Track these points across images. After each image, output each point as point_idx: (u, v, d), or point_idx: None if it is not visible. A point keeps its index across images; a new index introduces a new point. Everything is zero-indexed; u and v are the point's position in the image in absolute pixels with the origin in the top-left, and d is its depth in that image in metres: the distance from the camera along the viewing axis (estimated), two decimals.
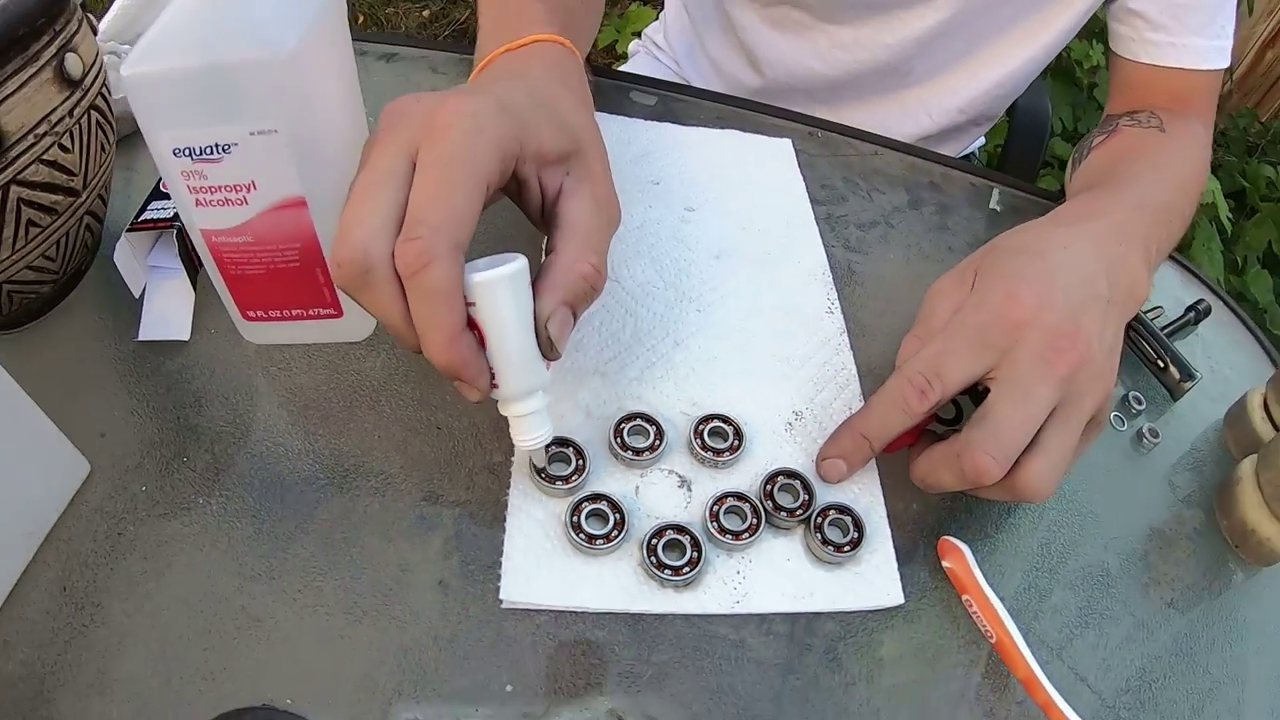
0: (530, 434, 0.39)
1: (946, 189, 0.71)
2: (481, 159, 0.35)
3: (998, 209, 0.71)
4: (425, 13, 2.92)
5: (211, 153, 0.36)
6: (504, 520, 0.42)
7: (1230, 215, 2.17)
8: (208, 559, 0.40)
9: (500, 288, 0.35)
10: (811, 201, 0.64)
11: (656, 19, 1.11)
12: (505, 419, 0.40)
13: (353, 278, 0.34)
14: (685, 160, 0.65)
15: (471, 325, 0.36)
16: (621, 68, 1.05)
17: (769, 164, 0.67)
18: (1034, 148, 1.07)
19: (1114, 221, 0.51)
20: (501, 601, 0.39)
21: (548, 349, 0.38)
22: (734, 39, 0.91)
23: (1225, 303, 0.70)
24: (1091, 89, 2.44)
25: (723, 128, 0.70)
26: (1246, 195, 2.54)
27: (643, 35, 1.10)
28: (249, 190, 0.38)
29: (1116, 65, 0.81)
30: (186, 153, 0.37)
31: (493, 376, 0.37)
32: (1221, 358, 0.64)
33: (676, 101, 0.73)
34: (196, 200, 0.39)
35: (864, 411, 0.44)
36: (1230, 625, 0.47)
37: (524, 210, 0.43)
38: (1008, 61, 0.87)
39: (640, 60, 1.07)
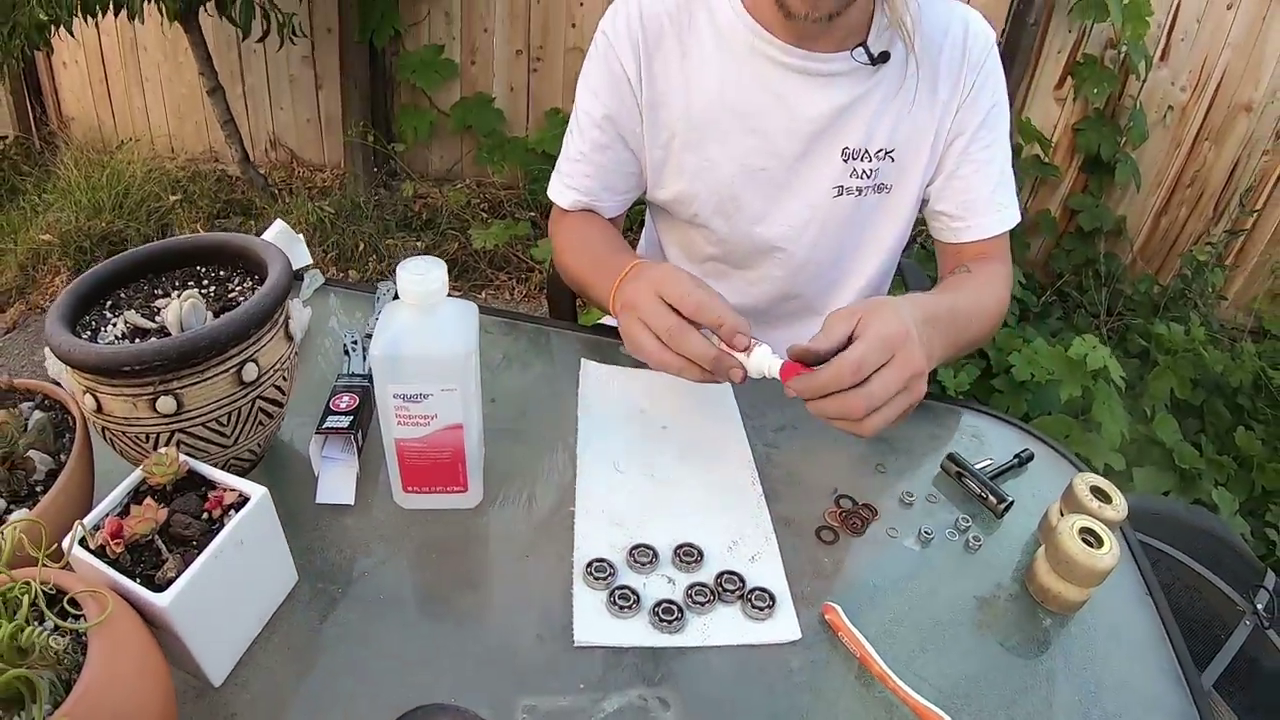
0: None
1: None
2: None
3: None
4: (419, 243, 3.31)
5: (415, 398, 0.69)
6: (573, 600, 0.72)
7: (1124, 376, 2.42)
8: (388, 629, 0.69)
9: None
10: (742, 414, 0.97)
11: None
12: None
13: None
14: (659, 393, 0.99)
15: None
16: (605, 318, 1.40)
17: (713, 393, 0.99)
18: None
19: (926, 311, 0.87)
20: (575, 641, 0.68)
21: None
22: None
23: (1054, 449, 1.00)
24: None
25: None
26: (1150, 353, 2.85)
27: None
28: (432, 419, 0.71)
29: (937, 245, 1.20)
30: (400, 396, 0.69)
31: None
32: (1048, 486, 0.94)
33: None
34: (399, 421, 0.71)
35: (815, 376, 0.75)
36: (1040, 651, 0.73)
37: None
38: (865, 272, 1.21)
39: None
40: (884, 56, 1.05)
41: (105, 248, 3.23)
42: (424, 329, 0.68)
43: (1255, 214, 3.46)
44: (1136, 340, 2.94)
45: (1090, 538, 0.76)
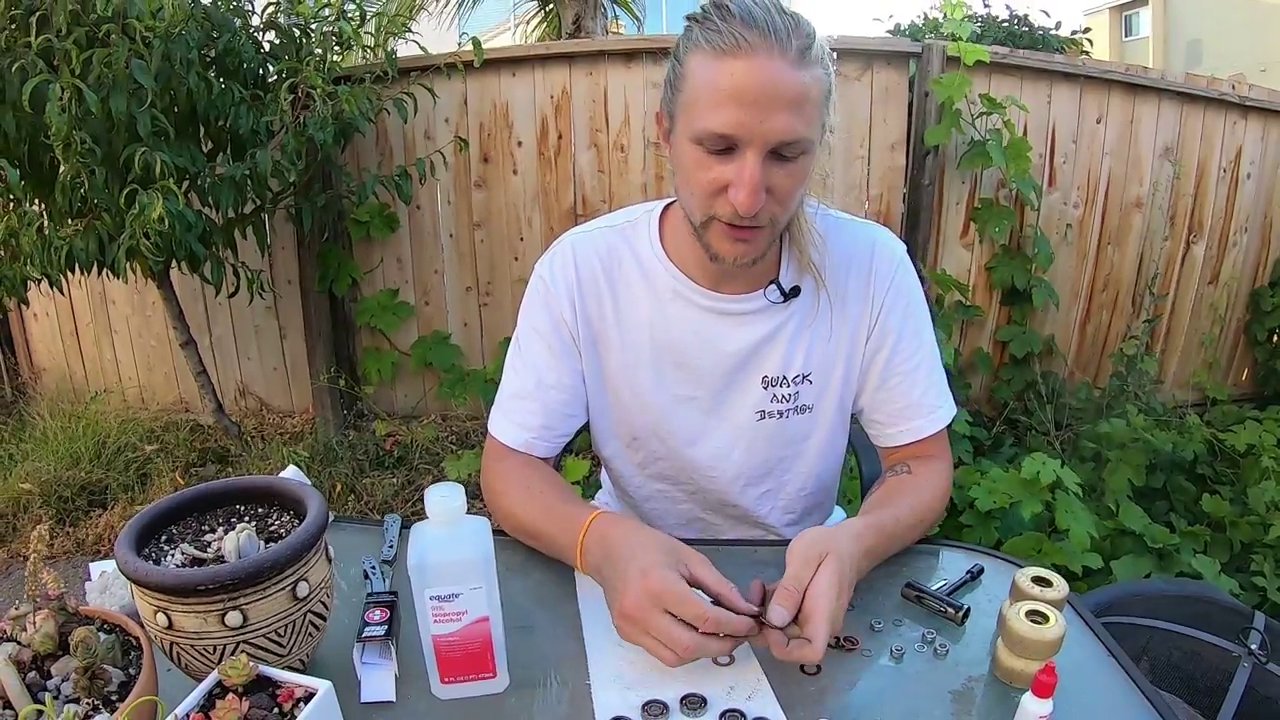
0: None
1: None
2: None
3: None
4: (394, 480, 3.39)
5: (448, 597, 0.82)
6: None
7: (1079, 482, 2.55)
8: None
9: None
10: None
11: (589, 472, 1.62)
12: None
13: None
14: None
15: None
16: None
17: None
18: None
19: (869, 543, 1.00)
20: None
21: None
22: (638, 510, 1.38)
23: (1000, 559, 1.15)
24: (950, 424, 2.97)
25: None
26: (1101, 453, 2.99)
27: (597, 498, 1.57)
28: (463, 614, 0.83)
29: (877, 447, 1.29)
30: (436, 598, 0.82)
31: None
32: (1001, 589, 1.06)
33: None
34: (435, 619, 0.83)
35: (789, 653, 0.85)
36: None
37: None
38: (799, 483, 1.29)
39: None
40: (795, 291, 1.15)
41: (86, 497, 3.31)
42: (451, 540, 0.83)
43: (1167, 298, 3.72)
44: (1087, 445, 3.09)
45: (1038, 617, 0.90)
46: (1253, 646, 1.60)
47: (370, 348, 3.84)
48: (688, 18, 1.01)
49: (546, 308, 1.21)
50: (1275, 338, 3.83)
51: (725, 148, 0.97)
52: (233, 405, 4.01)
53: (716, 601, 0.89)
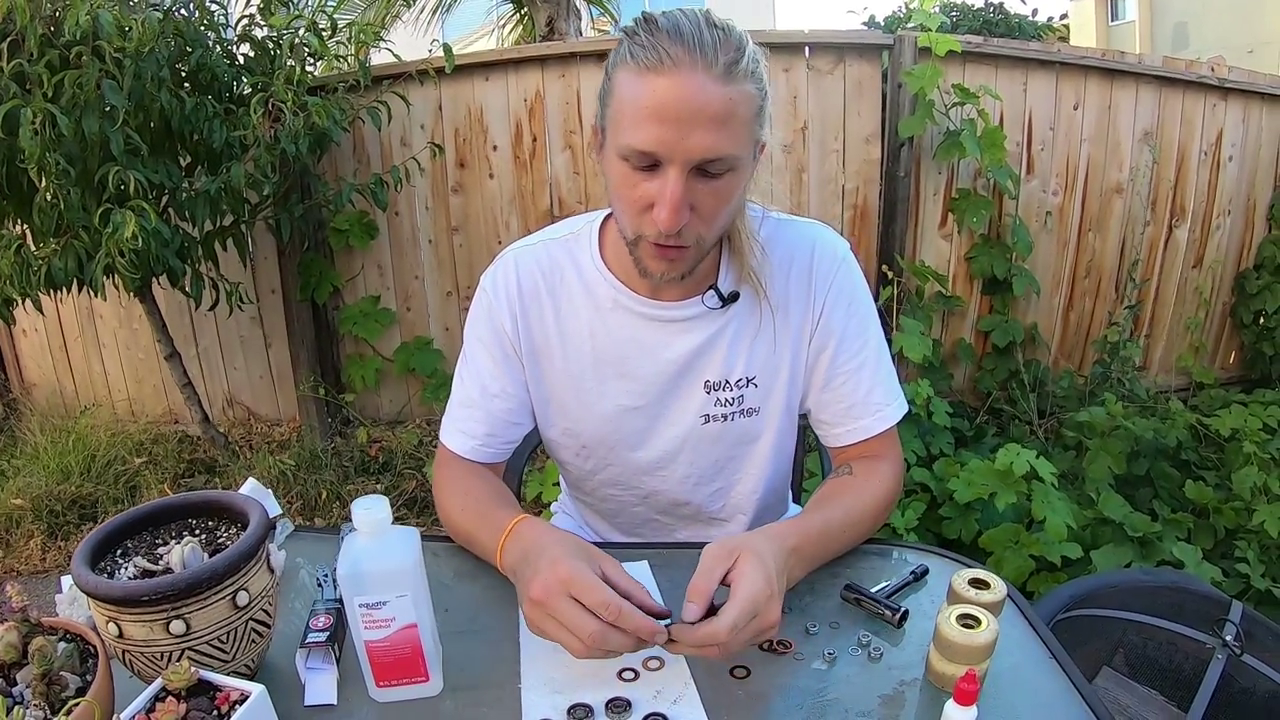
0: None
1: None
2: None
3: None
4: (379, 486, 3.44)
5: (376, 605, 0.85)
6: None
7: (1055, 471, 2.54)
8: None
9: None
10: (660, 587, 1.09)
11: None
12: None
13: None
14: None
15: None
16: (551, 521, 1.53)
17: (638, 577, 1.10)
18: None
19: (793, 543, 1.00)
20: None
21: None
22: (594, 509, 1.41)
23: (948, 558, 1.15)
24: (930, 415, 2.97)
25: None
26: (1082, 442, 2.97)
27: (559, 499, 1.60)
28: (391, 621, 0.86)
29: (826, 446, 1.30)
30: (365, 605, 0.85)
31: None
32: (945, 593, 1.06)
33: None
34: (365, 625, 0.86)
35: (691, 633, 0.86)
36: None
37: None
38: (751, 481, 1.29)
39: (559, 519, 1.55)
40: (734, 296, 1.16)
41: (76, 511, 3.34)
42: (377, 550, 0.86)
43: (1149, 284, 3.72)
44: (1069, 434, 3.08)
45: (969, 621, 0.91)
46: (1228, 638, 1.60)
47: (354, 354, 3.86)
48: (621, 29, 1.00)
49: (489, 319, 1.23)
50: (1261, 320, 3.83)
51: (650, 164, 0.98)
52: (221, 415, 4.04)
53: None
